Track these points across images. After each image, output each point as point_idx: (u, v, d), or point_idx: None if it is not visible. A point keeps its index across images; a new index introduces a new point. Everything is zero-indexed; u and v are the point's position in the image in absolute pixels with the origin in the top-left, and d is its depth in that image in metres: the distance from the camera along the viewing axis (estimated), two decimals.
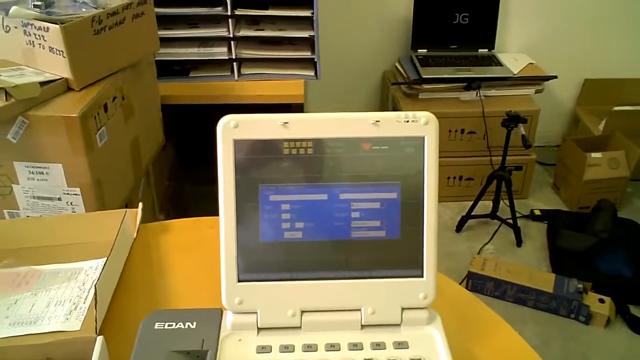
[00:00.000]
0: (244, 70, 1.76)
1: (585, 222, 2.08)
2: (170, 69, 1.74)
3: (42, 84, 1.04)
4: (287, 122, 0.56)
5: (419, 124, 0.57)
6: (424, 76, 2.26)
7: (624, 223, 2.13)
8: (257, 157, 0.56)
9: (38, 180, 1.06)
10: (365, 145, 0.56)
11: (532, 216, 2.30)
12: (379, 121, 0.56)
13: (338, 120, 0.57)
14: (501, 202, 2.19)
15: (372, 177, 0.57)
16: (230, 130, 0.55)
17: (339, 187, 0.56)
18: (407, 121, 0.57)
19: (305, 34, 1.70)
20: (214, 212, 0.83)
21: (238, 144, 0.55)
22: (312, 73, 1.74)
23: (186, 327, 0.55)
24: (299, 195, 0.56)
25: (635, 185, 2.45)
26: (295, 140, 0.56)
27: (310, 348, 0.54)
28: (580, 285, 1.79)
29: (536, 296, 1.81)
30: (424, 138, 0.57)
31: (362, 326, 0.57)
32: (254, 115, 0.56)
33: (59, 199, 1.08)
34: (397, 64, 2.49)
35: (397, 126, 0.57)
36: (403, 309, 0.57)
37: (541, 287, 1.81)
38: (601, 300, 1.78)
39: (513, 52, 2.56)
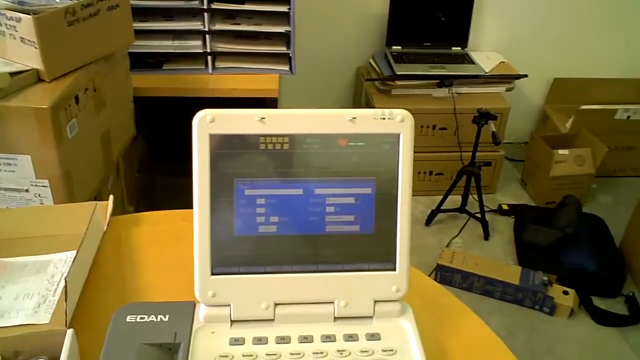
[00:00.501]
0: (219, 64, 1.75)
1: (551, 217, 2.12)
2: (143, 61, 1.71)
3: (12, 74, 1.02)
4: (263, 118, 0.56)
5: (394, 122, 0.57)
6: (398, 72, 2.28)
7: (588, 218, 2.18)
8: (232, 151, 0.56)
9: (5, 171, 1.04)
10: (341, 141, 0.57)
11: (499, 211, 2.34)
12: (355, 118, 0.57)
13: (315, 116, 0.57)
14: (470, 196, 2.23)
15: (348, 173, 0.57)
16: (206, 125, 0.55)
17: (314, 182, 0.57)
18: (384, 118, 0.57)
19: (281, 29, 1.70)
20: (185, 205, 0.83)
21: (214, 138, 0.55)
22: (287, 68, 1.74)
23: (158, 319, 0.55)
24: (274, 190, 0.57)
25: (600, 181, 2.51)
26: (271, 136, 0.56)
27: (283, 340, 0.55)
28: (545, 278, 1.83)
29: (503, 288, 1.85)
30: (399, 135, 0.57)
31: (335, 318, 0.57)
32: (230, 110, 0.56)
33: (27, 190, 1.06)
34: (371, 60, 2.50)
35: (373, 123, 0.57)
36: (375, 301, 0.58)
37: (508, 279, 1.84)
38: (565, 292, 1.82)
39: (485, 51, 2.59)
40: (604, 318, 1.83)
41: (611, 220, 2.18)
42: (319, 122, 0.57)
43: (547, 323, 1.81)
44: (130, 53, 1.42)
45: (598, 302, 1.88)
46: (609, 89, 2.66)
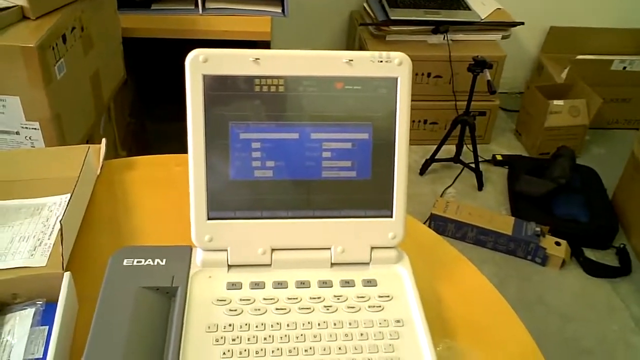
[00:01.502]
0: (209, 4, 1.70)
1: (545, 168, 2.13)
2: (131, 0, 1.66)
3: None
4: (258, 58, 0.55)
5: (392, 65, 0.56)
6: (392, 17, 2.23)
7: (582, 170, 2.19)
8: (227, 93, 0.55)
9: None
10: (337, 84, 0.56)
11: (493, 161, 2.34)
12: (352, 60, 0.56)
13: (311, 58, 0.56)
14: (464, 146, 2.22)
15: (344, 117, 0.56)
16: (199, 65, 0.54)
17: (311, 127, 0.56)
18: (381, 61, 0.56)
19: None
20: (177, 150, 0.82)
21: (207, 79, 0.54)
22: (279, 10, 1.70)
23: (155, 263, 0.55)
24: (270, 134, 0.56)
25: (594, 133, 2.50)
26: (266, 77, 0.55)
27: (280, 285, 0.55)
28: (537, 229, 1.84)
29: (495, 238, 1.87)
30: (397, 79, 0.56)
31: (332, 264, 0.57)
32: (224, 50, 0.55)
33: (17, 133, 1.04)
34: (365, 4, 2.44)
35: (370, 66, 0.56)
36: (372, 248, 0.58)
37: (500, 229, 1.86)
38: (557, 243, 1.84)
39: None
40: (594, 269, 1.85)
41: (604, 172, 2.19)
42: (315, 64, 0.56)
43: (539, 273, 1.84)
44: None
45: (589, 254, 1.90)
46: (605, 39, 2.63)
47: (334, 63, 0.55)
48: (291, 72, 0.55)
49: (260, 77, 0.55)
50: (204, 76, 0.54)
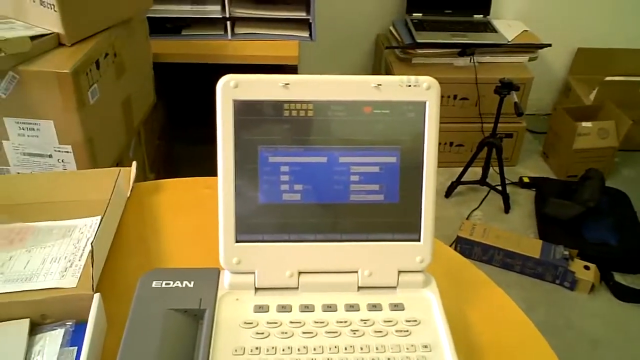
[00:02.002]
0: (238, 30, 1.73)
1: (573, 190, 2.10)
2: (162, 27, 1.70)
3: (33, 38, 1.02)
4: (288, 83, 0.55)
5: (420, 89, 0.56)
6: (419, 41, 2.24)
7: (611, 192, 2.15)
8: (256, 118, 0.55)
9: (29, 136, 1.05)
10: (366, 108, 0.56)
11: (520, 183, 2.32)
12: (380, 85, 0.56)
13: (340, 82, 0.56)
14: (491, 168, 2.20)
15: (372, 141, 0.56)
16: (230, 90, 0.55)
17: (339, 150, 0.56)
18: (409, 85, 0.56)
19: None
20: (205, 171, 0.83)
21: (238, 104, 0.55)
22: (306, 34, 1.72)
23: (184, 285, 0.56)
24: (299, 158, 0.56)
25: (623, 155, 2.47)
26: (295, 102, 0.55)
27: (307, 308, 0.55)
28: (566, 252, 1.81)
29: (523, 262, 1.84)
30: (425, 103, 0.56)
31: (359, 288, 0.57)
32: (254, 76, 0.56)
33: (50, 156, 1.06)
34: (392, 28, 2.46)
35: (398, 90, 0.56)
36: (400, 272, 0.57)
37: (528, 253, 1.83)
38: (586, 267, 1.81)
39: (508, 19, 2.54)
40: (625, 294, 1.81)
41: (634, 194, 2.15)
42: (343, 89, 0.56)
43: (568, 298, 1.80)
44: (148, 18, 1.41)
45: (619, 278, 1.86)
46: (634, 60, 2.60)
47: (362, 88, 0.56)
48: (320, 97, 0.55)
49: (289, 102, 0.55)
50: (235, 101, 0.54)
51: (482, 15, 2.45)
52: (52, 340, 0.56)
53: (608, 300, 1.81)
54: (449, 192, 2.22)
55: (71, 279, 0.59)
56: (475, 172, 2.21)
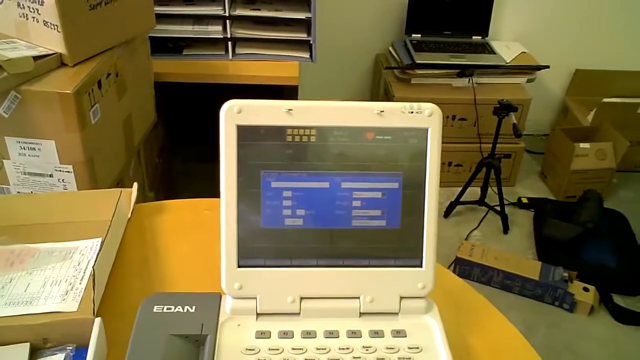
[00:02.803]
0: (239, 50, 1.74)
1: (572, 211, 2.10)
2: (163, 46, 1.71)
3: (36, 58, 1.02)
4: (291, 109, 0.56)
5: (423, 115, 0.57)
6: (418, 61, 2.26)
7: (609, 213, 2.16)
8: (259, 143, 0.56)
9: (29, 156, 1.05)
10: (368, 134, 0.57)
11: (519, 204, 2.32)
12: (383, 111, 0.56)
13: (342, 108, 0.56)
14: (489, 189, 2.21)
15: (375, 167, 0.57)
16: (233, 116, 0.55)
17: (341, 176, 0.56)
18: (412, 112, 0.57)
19: (301, 15, 1.69)
20: (204, 190, 0.83)
21: (241, 129, 0.55)
22: (307, 55, 1.73)
23: (185, 310, 0.55)
24: (301, 183, 0.56)
25: (621, 176, 2.48)
26: (298, 128, 0.56)
27: (309, 335, 0.55)
28: (565, 274, 1.81)
29: (522, 283, 1.84)
30: (427, 129, 0.57)
31: (361, 314, 0.57)
32: (257, 101, 0.56)
33: (51, 175, 1.06)
34: (391, 48, 2.48)
35: (401, 117, 0.57)
36: (401, 297, 0.57)
37: (527, 274, 1.83)
38: (585, 289, 1.81)
39: (506, 40, 2.56)
40: (624, 316, 1.81)
41: (632, 216, 2.15)
42: (346, 115, 0.56)
43: (567, 320, 1.80)
44: (150, 37, 1.42)
45: (618, 300, 1.86)
46: (631, 81, 2.62)
47: (365, 114, 0.56)
48: (323, 123, 0.56)
49: (292, 127, 0.56)
50: (238, 126, 0.55)
51: (480, 37, 2.47)
52: None
53: (607, 323, 1.80)
54: (447, 212, 2.22)
55: (72, 302, 0.59)
56: (474, 192, 2.21)
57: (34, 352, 0.57)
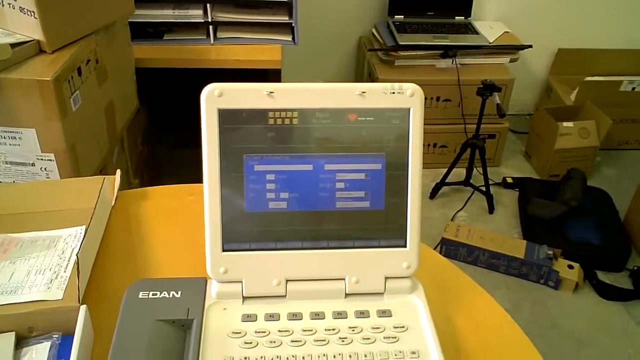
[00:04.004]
0: (220, 34, 1.72)
1: (556, 190, 2.12)
2: (143, 31, 1.69)
3: (13, 45, 1.00)
4: (272, 92, 0.55)
5: (404, 96, 0.57)
6: (401, 43, 2.25)
7: (593, 192, 2.18)
8: (241, 126, 0.55)
9: (10, 145, 1.03)
10: (350, 116, 0.56)
11: (504, 184, 2.34)
12: (364, 92, 0.56)
13: (324, 90, 0.56)
14: (474, 169, 2.22)
15: (357, 148, 0.57)
16: (214, 99, 0.55)
17: (324, 158, 0.56)
18: (393, 92, 0.57)
19: None
20: (188, 176, 0.83)
21: (222, 113, 0.55)
22: (289, 38, 1.72)
23: (171, 296, 0.55)
24: (284, 166, 0.56)
25: (604, 154, 2.50)
26: (280, 110, 0.56)
27: (295, 316, 0.55)
28: (550, 252, 1.83)
29: (508, 262, 1.86)
30: (409, 110, 0.57)
31: (346, 295, 0.57)
32: (238, 84, 0.56)
33: (33, 164, 1.05)
34: (374, 30, 2.47)
35: (382, 97, 0.57)
36: (386, 278, 0.58)
37: (513, 253, 1.85)
38: (570, 267, 1.83)
39: (489, 20, 2.56)
40: (608, 292, 1.84)
41: (616, 193, 2.18)
42: (328, 97, 0.56)
43: (552, 297, 1.82)
44: (130, 23, 1.40)
45: (603, 277, 1.89)
46: (613, 60, 2.64)
47: (346, 95, 0.56)
48: (305, 105, 0.56)
49: (274, 110, 0.55)
50: (219, 110, 0.54)
51: (463, 17, 2.47)
52: (38, 353, 0.55)
53: (592, 299, 1.83)
54: (433, 193, 2.23)
55: (57, 291, 0.59)
56: (459, 173, 2.22)
57: (20, 341, 0.57)
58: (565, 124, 2.31)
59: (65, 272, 0.62)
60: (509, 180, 2.34)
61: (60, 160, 1.05)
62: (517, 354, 0.63)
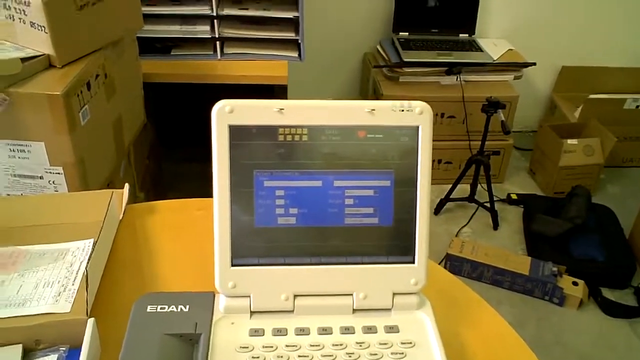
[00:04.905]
0: (227, 50, 1.74)
1: (560, 207, 2.12)
2: (151, 46, 1.71)
3: (23, 60, 1.02)
4: (282, 109, 0.56)
5: (413, 114, 0.57)
6: (406, 59, 2.26)
7: (598, 209, 2.18)
8: (252, 142, 0.56)
9: (19, 158, 1.04)
10: (360, 133, 0.57)
11: (508, 200, 2.34)
12: (374, 110, 0.57)
13: (334, 107, 0.57)
14: (479, 185, 2.22)
15: (367, 165, 0.57)
16: (225, 115, 0.55)
17: (333, 174, 0.57)
18: (402, 110, 0.57)
19: (289, 14, 1.69)
20: (194, 190, 0.83)
21: (233, 129, 0.55)
22: (295, 54, 1.73)
23: (179, 310, 0.56)
24: (294, 182, 0.57)
25: (608, 172, 2.50)
26: (290, 127, 0.56)
27: (302, 332, 0.55)
28: (555, 269, 1.83)
29: (512, 278, 1.85)
30: (418, 127, 0.57)
31: (354, 310, 0.57)
32: (249, 101, 0.56)
33: (41, 177, 1.06)
34: (379, 47, 2.49)
35: (392, 115, 0.57)
36: (394, 294, 0.58)
37: (517, 269, 1.85)
38: (575, 283, 1.82)
39: (493, 38, 2.57)
40: (613, 309, 1.83)
41: (620, 210, 2.17)
42: (337, 114, 0.57)
43: (556, 314, 1.81)
44: (138, 38, 1.41)
45: (607, 294, 1.88)
46: (617, 78, 2.65)
47: (356, 112, 0.57)
48: (314, 122, 0.56)
49: (284, 127, 0.56)
50: (230, 126, 0.55)
51: (467, 35, 2.48)
52: None
53: (596, 316, 1.82)
54: (438, 209, 2.23)
55: (65, 303, 0.59)
56: (463, 189, 2.22)
57: (27, 354, 0.57)
58: (569, 141, 2.31)
59: (73, 285, 0.62)
60: (514, 196, 2.34)
61: (69, 173, 1.06)
62: None
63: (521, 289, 1.86)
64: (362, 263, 0.58)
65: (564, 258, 1.93)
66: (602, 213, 2.17)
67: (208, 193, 0.59)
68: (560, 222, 2.03)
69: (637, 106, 2.48)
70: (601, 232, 2.05)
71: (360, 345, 0.54)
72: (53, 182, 1.06)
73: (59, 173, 1.05)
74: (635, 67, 2.66)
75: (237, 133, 0.55)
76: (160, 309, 0.56)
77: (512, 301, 1.85)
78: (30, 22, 1.04)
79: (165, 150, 1.99)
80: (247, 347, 0.53)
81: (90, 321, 0.56)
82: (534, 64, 2.34)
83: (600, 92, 2.52)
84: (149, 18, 1.62)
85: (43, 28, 1.03)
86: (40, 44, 1.05)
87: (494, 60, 2.32)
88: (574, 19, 2.63)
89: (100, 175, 1.19)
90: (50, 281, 0.63)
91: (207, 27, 1.71)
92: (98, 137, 1.18)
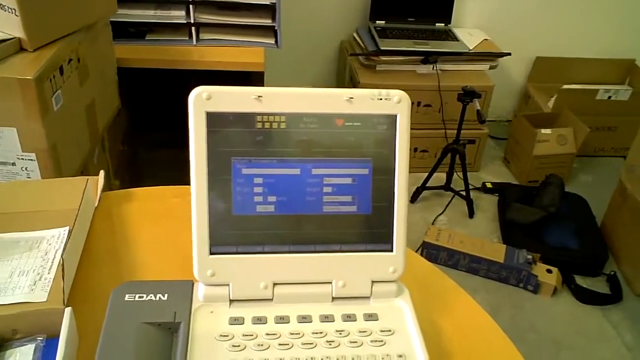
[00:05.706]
0: (203, 36, 1.72)
1: (534, 195, 2.15)
2: (124, 31, 1.68)
3: None
4: (260, 96, 0.56)
5: (391, 102, 0.57)
6: (382, 48, 2.26)
7: (571, 197, 2.21)
8: (229, 130, 0.55)
9: None
10: (338, 121, 0.57)
11: (483, 189, 2.36)
12: (352, 98, 0.57)
13: (312, 95, 0.57)
14: (454, 174, 2.24)
15: (345, 153, 0.57)
16: (202, 102, 0.55)
17: (312, 162, 0.57)
18: (380, 99, 0.57)
19: (266, 0, 1.67)
20: (169, 177, 0.83)
21: (210, 116, 0.55)
22: (272, 41, 1.72)
23: (157, 299, 0.55)
24: (272, 170, 0.56)
25: (581, 161, 2.54)
26: (268, 114, 0.56)
27: (282, 320, 0.55)
28: (529, 256, 1.86)
29: (488, 266, 1.88)
30: (396, 116, 0.57)
31: (333, 298, 0.58)
32: (226, 88, 0.56)
33: (13, 164, 1.04)
34: (355, 35, 2.48)
35: (370, 103, 0.57)
36: (373, 282, 0.58)
37: (493, 257, 1.87)
38: (549, 271, 1.86)
39: (469, 28, 2.59)
40: (586, 296, 1.87)
41: (592, 199, 2.21)
42: (315, 101, 0.57)
43: (531, 301, 1.85)
44: (111, 22, 1.39)
45: (580, 281, 1.92)
46: (590, 69, 2.69)
47: (334, 100, 0.57)
48: (292, 109, 0.56)
49: (262, 114, 0.56)
50: (207, 113, 0.54)
51: (443, 24, 2.49)
52: (22, 356, 0.55)
53: (570, 303, 1.86)
54: (414, 198, 2.25)
55: (41, 292, 0.58)
56: (439, 177, 2.24)
57: (3, 344, 0.56)
58: (543, 130, 2.34)
59: (49, 273, 0.61)
60: (489, 185, 2.37)
61: (42, 160, 1.04)
62: (499, 355, 0.64)
63: (496, 276, 1.89)
64: (341, 251, 0.58)
65: (538, 246, 1.96)
66: (574, 201, 2.20)
67: (184, 180, 0.58)
68: (534, 210, 2.07)
69: (609, 97, 2.52)
70: (574, 220, 2.09)
71: (340, 333, 0.55)
72: (26, 169, 1.04)
73: (31, 159, 1.03)
74: (607, 58, 2.71)
75: (215, 120, 0.55)
76: (139, 297, 0.55)
77: (487, 288, 1.87)
78: (1, 4, 1.01)
79: (141, 137, 1.96)
80: (227, 336, 0.53)
81: (68, 310, 0.56)
82: (509, 54, 2.36)
83: (574, 82, 2.56)
84: (122, 2, 1.59)
85: (14, 10, 1.01)
86: (11, 26, 1.03)
87: (470, 50, 2.34)
88: (549, 10, 2.65)
89: (74, 162, 1.17)
90: (25, 270, 0.62)
91: (183, 12, 1.68)
92: (71, 123, 1.15)
